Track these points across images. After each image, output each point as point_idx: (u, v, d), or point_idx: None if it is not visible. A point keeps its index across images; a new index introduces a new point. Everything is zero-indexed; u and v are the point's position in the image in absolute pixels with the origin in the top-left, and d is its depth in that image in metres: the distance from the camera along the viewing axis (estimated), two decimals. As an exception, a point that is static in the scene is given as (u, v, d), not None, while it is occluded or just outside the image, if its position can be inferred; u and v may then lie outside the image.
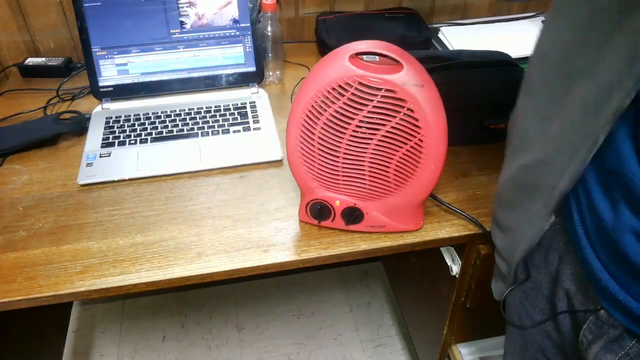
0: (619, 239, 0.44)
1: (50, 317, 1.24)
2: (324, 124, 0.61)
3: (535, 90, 0.51)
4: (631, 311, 0.44)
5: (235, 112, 0.95)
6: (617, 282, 0.45)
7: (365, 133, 0.60)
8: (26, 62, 1.08)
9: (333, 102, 0.60)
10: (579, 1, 0.43)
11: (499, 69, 0.85)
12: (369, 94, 0.58)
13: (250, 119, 0.93)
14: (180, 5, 0.94)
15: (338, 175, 0.65)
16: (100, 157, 0.85)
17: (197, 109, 0.95)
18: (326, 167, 0.65)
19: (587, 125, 0.44)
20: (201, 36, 0.97)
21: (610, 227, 0.45)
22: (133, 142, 0.88)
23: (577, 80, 0.44)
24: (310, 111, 0.61)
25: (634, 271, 0.43)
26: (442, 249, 0.87)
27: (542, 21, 1.23)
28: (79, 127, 0.92)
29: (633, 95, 0.40)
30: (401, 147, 0.61)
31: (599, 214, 0.46)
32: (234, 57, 1.00)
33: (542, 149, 0.50)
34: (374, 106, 0.59)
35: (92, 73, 0.96)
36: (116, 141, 0.88)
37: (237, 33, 0.98)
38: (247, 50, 1.00)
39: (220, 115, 0.93)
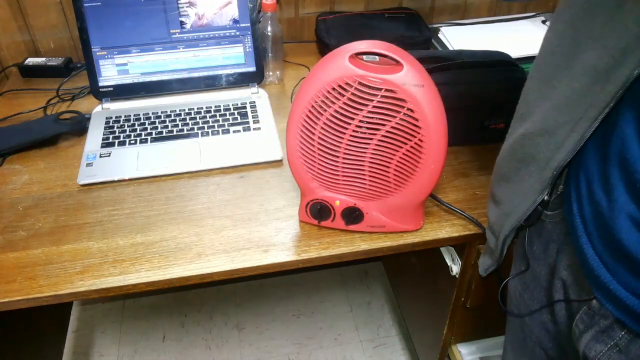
0: (614, 224, 0.44)
1: (50, 317, 1.24)
2: (324, 124, 0.61)
3: (542, 57, 0.51)
4: (621, 301, 0.44)
5: (235, 112, 0.95)
6: (609, 271, 0.46)
7: (365, 133, 0.60)
8: (26, 62, 1.08)
9: (333, 102, 0.60)
10: None
11: (499, 69, 0.85)
12: (369, 94, 0.58)
13: (250, 119, 0.93)
14: (180, 5, 0.94)
15: (338, 175, 0.65)
16: (100, 157, 0.85)
17: (197, 109, 0.95)
18: (326, 167, 0.65)
19: (593, 93, 0.44)
20: (201, 36, 0.97)
21: (606, 213, 0.45)
22: (133, 142, 0.88)
23: (585, 46, 0.44)
24: (310, 111, 0.61)
25: (626, 259, 0.43)
26: (442, 249, 0.87)
27: (543, 21, 1.23)
28: (79, 127, 0.92)
29: None
30: (401, 147, 0.61)
31: (597, 200, 0.46)
32: (234, 57, 1.00)
33: (544, 118, 0.50)
34: (374, 106, 0.59)
35: (92, 73, 0.96)
36: (116, 141, 0.88)
37: (237, 33, 0.98)
38: (247, 50, 1.00)
39: (220, 115, 0.93)
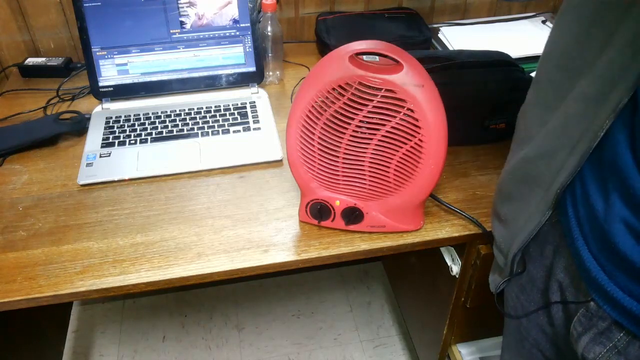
0: (610, 229, 0.44)
1: (50, 317, 1.24)
2: (324, 124, 0.61)
3: (540, 83, 0.52)
4: (619, 303, 0.45)
5: (235, 112, 0.95)
6: (606, 273, 0.46)
7: (365, 133, 0.60)
8: (26, 62, 1.08)
9: (333, 102, 0.60)
10: None
11: (499, 69, 0.85)
12: (369, 94, 0.58)
13: (250, 119, 0.93)
14: (180, 5, 0.94)
15: (338, 175, 0.65)
16: (100, 157, 0.85)
17: (197, 109, 0.95)
18: (326, 167, 0.65)
19: (587, 118, 0.45)
20: (201, 36, 0.97)
21: (601, 217, 0.45)
22: (133, 142, 0.88)
23: (578, 74, 0.45)
24: (310, 111, 0.61)
25: (622, 262, 0.44)
26: (442, 249, 0.87)
27: (543, 21, 1.23)
28: (79, 127, 0.92)
29: (634, 89, 0.40)
30: (401, 147, 0.61)
31: (592, 204, 0.46)
32: (234, 57, 1.00)
33: (543, 142, 0.51)
34: (374, 106, 0.59)
35: (92, 73, 0.96)
36: (116, 141, 0.88)
37: (237, 33, 0.98)
38: (247, 50, 1.00)
39: (220, 115, 0.94)
